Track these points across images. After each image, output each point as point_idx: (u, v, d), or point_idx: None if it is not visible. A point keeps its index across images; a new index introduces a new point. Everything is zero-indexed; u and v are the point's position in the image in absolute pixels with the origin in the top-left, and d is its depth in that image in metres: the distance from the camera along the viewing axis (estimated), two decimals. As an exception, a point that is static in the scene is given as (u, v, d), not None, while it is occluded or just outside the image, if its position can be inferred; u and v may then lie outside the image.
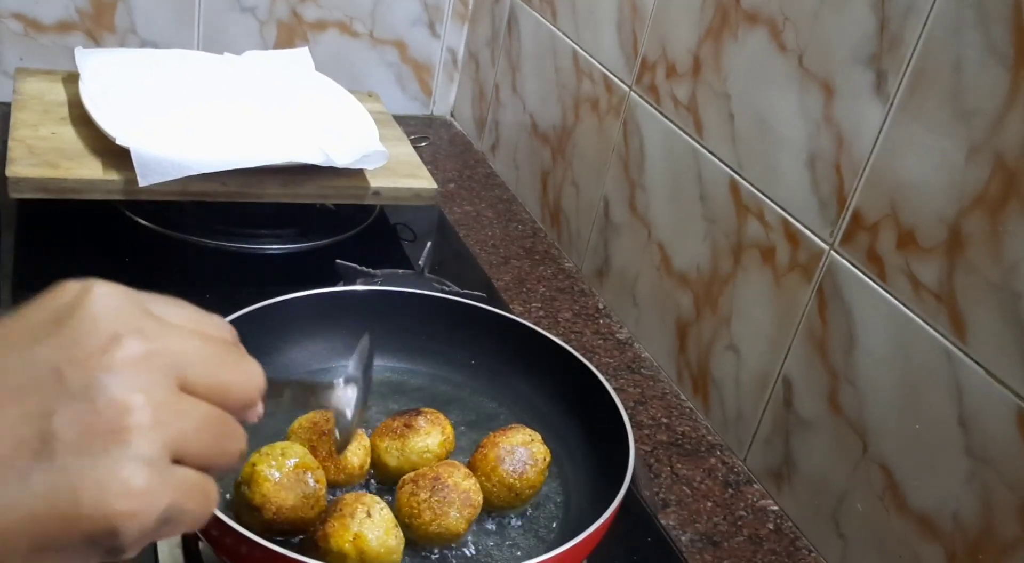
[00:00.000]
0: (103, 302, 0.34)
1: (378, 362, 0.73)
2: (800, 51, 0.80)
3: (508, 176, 1.32)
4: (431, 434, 0.69)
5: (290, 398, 0.40)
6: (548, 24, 1.20)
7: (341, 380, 0.51)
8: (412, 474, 0.65)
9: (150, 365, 0.34)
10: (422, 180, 1.06)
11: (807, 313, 0.81)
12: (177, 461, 0.34)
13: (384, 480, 0.70)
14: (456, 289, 0.96)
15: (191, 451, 0.34)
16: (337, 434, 0.54)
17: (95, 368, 0.33)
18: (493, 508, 0.68)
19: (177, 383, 0.35)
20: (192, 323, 0.37)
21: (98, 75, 1.02)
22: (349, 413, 0.50)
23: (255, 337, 0.74)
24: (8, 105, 1.03)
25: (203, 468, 0.35)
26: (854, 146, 0.76)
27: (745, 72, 0.87)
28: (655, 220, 1.01)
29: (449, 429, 0.71)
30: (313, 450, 0.66)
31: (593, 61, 1.11)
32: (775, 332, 0.84)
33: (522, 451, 0.68)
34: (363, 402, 0.51)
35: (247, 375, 0.38)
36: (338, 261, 0.96)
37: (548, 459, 0.69)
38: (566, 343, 0.78)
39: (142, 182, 0.88)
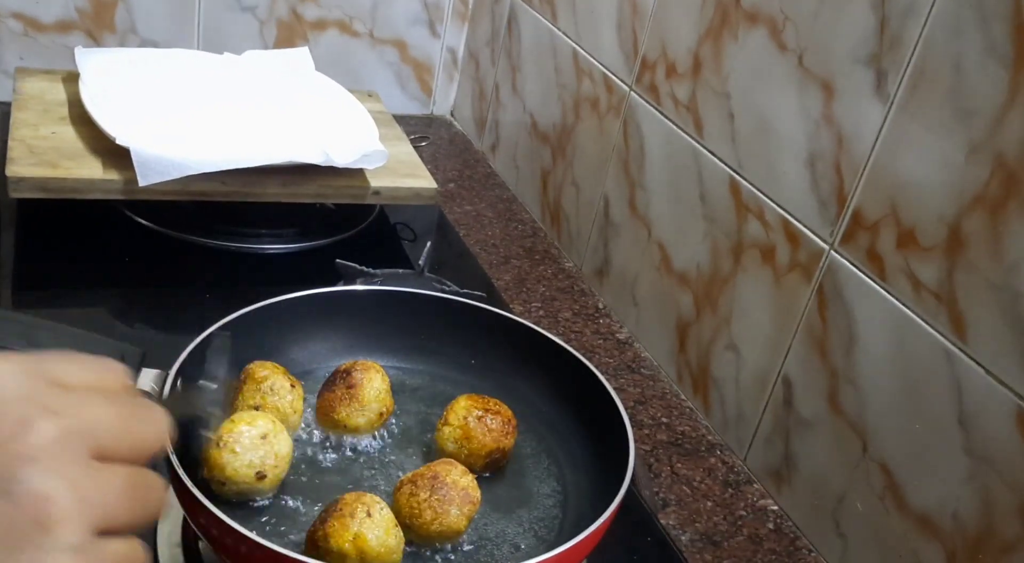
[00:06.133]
0: (5, 381, 0.33)
1: (378, 362, 0.74)
2: (800, 51, 0.80)
3: (508, 176, 1.32)
4: (373, 380, 0.70)
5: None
6: (548, 24, 1.20)
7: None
8: (410, 474, 0.65)
9: (65, 445, 0.33)
10: (422, 180, 1.06)
11: (807, 313, 0.81)
12: (105, 531, 0.33)
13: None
14: (456, 289, 0.96)
15: (116, 520, 0.34)
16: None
17: (11, 459, 0.31)
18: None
19: (93, 454, 0.34)
20: (92, 378, 0.37)
21: (98, 75, 1.02)
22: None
23: (255, 337, 0.75)
24: (8, 105, 1.03)
25: (130, 529, 0.35)
26: (854, 146, 0.76)
27: (745, 72, 0.87)
28: (655, 220, 1.01)
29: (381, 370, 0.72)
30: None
31: (593, 61, 1.11)
32: (775, 332, 0.84)
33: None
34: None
35: (155, 423, 0.38)
36: (338, 261, 0.96)
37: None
38: (566, 343, 0.78)
39: (142, 182, 0.88)
